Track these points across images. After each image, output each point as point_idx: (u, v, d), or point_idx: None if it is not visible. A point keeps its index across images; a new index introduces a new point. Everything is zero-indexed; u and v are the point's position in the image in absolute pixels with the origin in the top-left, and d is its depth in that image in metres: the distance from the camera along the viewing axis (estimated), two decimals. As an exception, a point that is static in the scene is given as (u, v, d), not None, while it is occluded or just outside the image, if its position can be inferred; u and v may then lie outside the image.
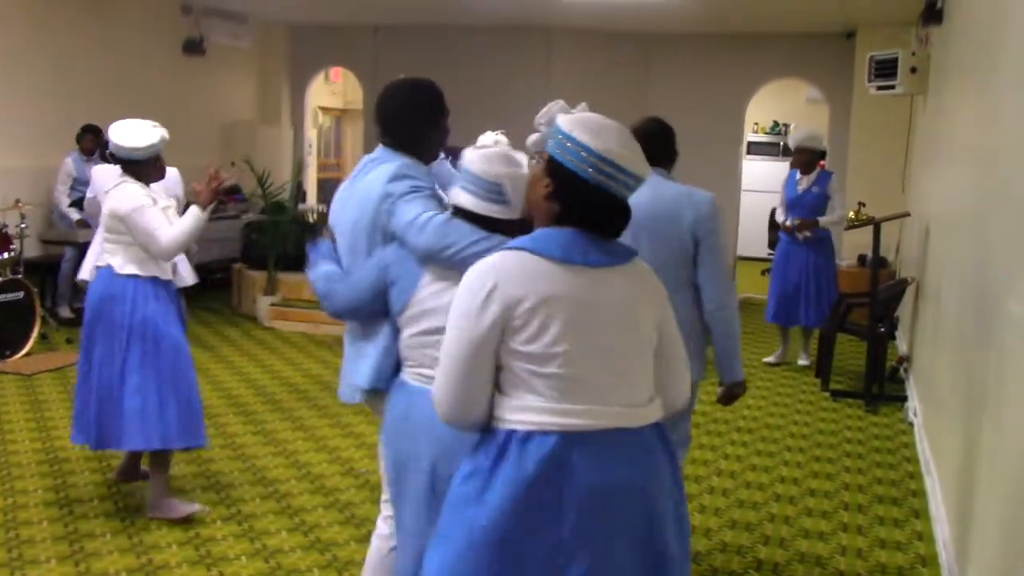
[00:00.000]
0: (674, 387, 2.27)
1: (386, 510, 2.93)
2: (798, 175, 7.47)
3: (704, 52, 11.02)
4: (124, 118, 4.25)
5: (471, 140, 6.76)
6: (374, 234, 2.77)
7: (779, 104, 13.58)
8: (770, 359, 7.71)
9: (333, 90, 14.23)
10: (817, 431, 5.94)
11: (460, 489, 2.13)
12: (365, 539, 3.88)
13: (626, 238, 2.26)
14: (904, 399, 6.48)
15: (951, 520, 3.93)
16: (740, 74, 10.94)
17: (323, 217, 10.92)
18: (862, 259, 9.34)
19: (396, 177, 2.73)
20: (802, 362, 7.63)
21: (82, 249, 6.79)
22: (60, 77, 8.75)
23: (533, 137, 3.94)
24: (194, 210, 4.11)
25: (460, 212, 2.62)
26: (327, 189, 13.06)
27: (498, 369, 2.11)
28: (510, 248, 2.11)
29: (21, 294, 7.02)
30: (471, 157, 2.61)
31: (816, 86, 11.37)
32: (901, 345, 7.84)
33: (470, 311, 2.06)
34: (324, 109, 13.97)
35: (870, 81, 7.90)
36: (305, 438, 5.45)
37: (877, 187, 9.31)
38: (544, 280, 2.06)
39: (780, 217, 7.57)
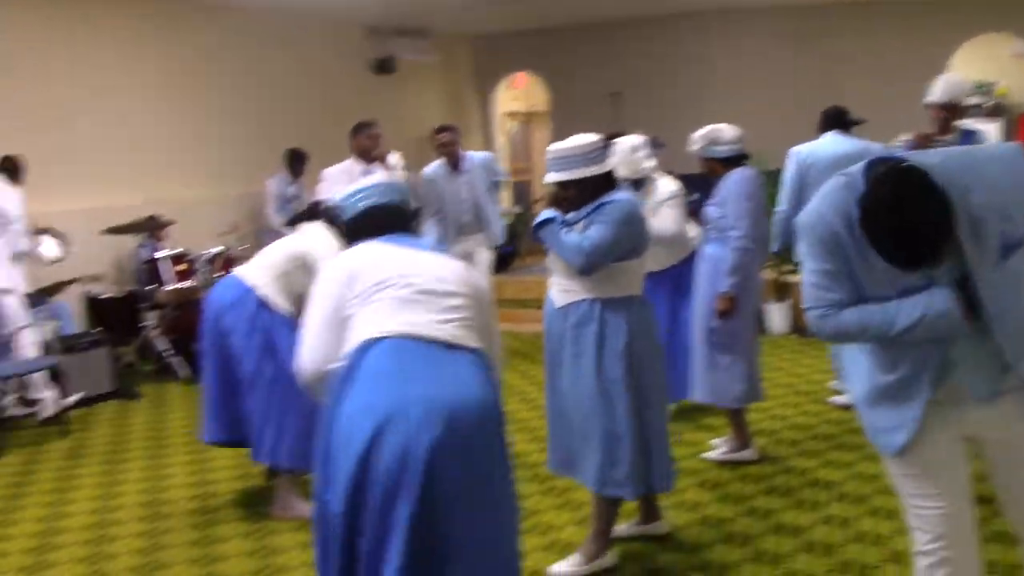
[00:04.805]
0: None
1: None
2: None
3: (892, 16, 10.52)
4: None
5: (640, 126, 6.80)
6: None
7: (983, 62, 12.75)
8: None
9: (517, 95, 14.54)
10: None
11: None
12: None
13: None
14: None
15: None
16: (935, 36, 10.33)
17: (522, 218, 11.20)
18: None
19: None
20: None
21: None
22: (262, 107, 9.44)
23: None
24: None
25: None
26: (519, 190, 13.38)
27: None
28: None
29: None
30: None
31: (1022, 37, 10.64)
32: None
33: None
34: (511, 114, 14.29)
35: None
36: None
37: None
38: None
39: None
